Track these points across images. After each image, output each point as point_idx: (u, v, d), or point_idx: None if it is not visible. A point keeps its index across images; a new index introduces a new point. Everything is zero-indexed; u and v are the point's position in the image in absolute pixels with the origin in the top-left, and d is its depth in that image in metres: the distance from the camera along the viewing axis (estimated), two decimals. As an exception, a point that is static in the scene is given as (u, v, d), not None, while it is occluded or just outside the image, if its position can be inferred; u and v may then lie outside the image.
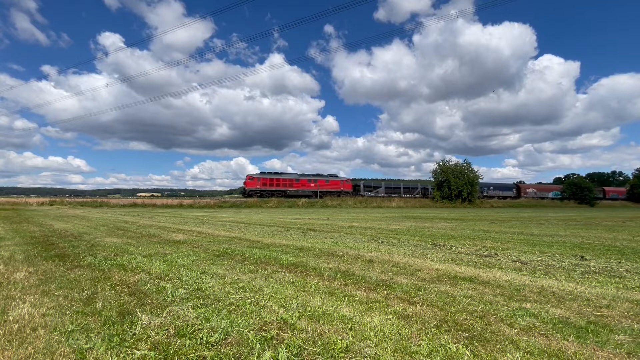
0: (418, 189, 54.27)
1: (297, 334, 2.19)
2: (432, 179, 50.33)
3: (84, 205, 29.64)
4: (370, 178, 60.51)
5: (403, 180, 57.94)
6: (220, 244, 6.41)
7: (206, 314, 2.51)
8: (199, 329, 2.24)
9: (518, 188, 60.09)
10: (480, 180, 49.98)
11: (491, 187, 58.19)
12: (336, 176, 49.57)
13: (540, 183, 73.31)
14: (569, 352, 1.96)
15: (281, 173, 45.41)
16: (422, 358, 1.89)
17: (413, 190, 54.36)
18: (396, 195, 50.66)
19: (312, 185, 45.62)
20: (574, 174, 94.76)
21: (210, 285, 3.32)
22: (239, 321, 2.37)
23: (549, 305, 2.83)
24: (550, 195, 63.10)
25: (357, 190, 49.73)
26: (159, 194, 42.11)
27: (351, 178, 51.75)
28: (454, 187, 46.17)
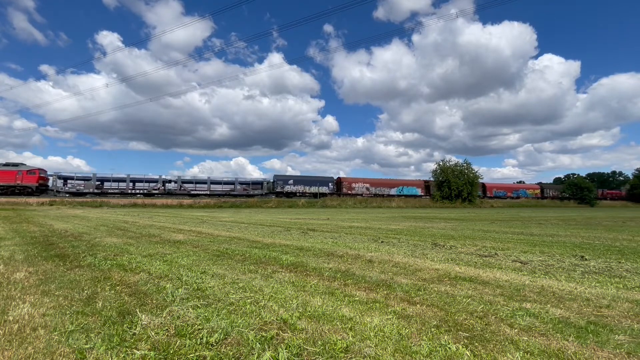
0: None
1: (297, 334, 2.19)
2: (432, 178, 50.37)
3: (84, 205, 29.64)
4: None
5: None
6: (220, 244, 6.41)
7: (206, 314, 2.51)
8: (199, 329, 2.24)
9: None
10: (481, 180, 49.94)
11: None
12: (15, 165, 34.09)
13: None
14: (569, 352, 1.96)
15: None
16: (422, 358, 1.89)
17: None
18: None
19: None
20: (574, 174, 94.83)
21: (210, 285, 3.32)
22: (239, 321, 2.37)
23: (549, 305, 2.83)
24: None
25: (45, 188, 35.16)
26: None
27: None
28: (454, 187, 46.19)
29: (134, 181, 40.61)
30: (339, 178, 48.44)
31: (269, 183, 45.50)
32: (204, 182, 43.27)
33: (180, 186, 41.65)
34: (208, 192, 42.41)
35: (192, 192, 41.86)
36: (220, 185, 43.73)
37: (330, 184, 46.93)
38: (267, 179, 46.44)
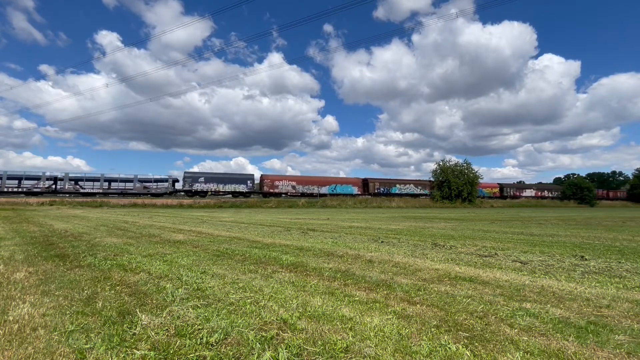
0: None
1: (297, 334, 2.19)
2: (432, 178, 50.33)
3: (84, 205, 29.63)
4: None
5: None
6: (220, 244, 6.41)
7: (206, 314, 2.51)
8: (199, 329, 2.24)
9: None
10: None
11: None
12: None
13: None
14: (569, 352, 1.96)
15: None
16: (422, 358, 1.89)
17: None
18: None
19: None
20: (574, 174, 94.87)
21: (210, 285, 3.32)
22: (239, 321, 2.37)
23: (549, 305, 2.83)
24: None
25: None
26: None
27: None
28: (454, 187, 46.19)
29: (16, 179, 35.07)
30: (262, 175, 44.07)
31: (177, 181, 40.62)
32: (96, 179, 38.01)
33: (67, 184, 35.94)
34: (101, 191, 37.34)
35: (83, 191, 36.78)
36: (117, 183, 38.63)
37: (248, 181, 42.35)
38: (172, 176, 41.12)
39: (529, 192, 60.64)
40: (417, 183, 52.41)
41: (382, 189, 48.73)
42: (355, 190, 47.47)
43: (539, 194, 61.58)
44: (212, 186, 40.82)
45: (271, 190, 42.77)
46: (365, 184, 48.18)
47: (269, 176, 44.43)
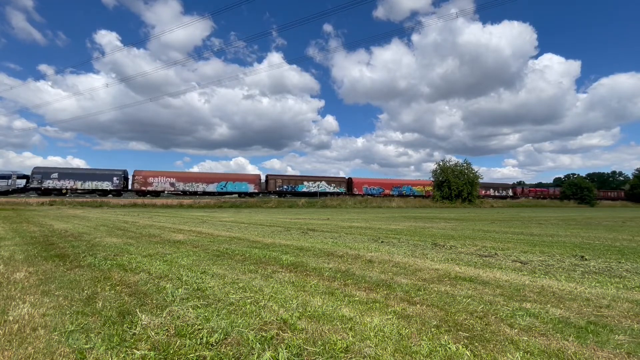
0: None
1: (297, 334, 2.19)
2: (432, 178, 50.26)
3: (84, 205, 29.61)
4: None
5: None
6: (220, 244, 6.41)
7: (206, 314, 2.51)
8: (199, 329, 2.24)
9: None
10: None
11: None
12: None
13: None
14: (569, 352, 1.96)
15: None
16: (422, 358, 1.89)
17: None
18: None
19: None
20: (574, 174, 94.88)
21: (210, 285, 3.32)
22: (239, 321, 2.37)
23: (549, 305, 2.83)
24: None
25: None
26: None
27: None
28: (454, 187, 46.17)
29: None
30: (134, 171, 38.30)
31: (24, 177, 35.46)
32: None
33: None
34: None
35: None
36: None
37: (115, 178, 37.04)
38: (16, 172, 35.73)
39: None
40: (330, 180, 46.76)
41: (285, 187, 43.39)
42: (252, 188, 41.74)
43: (484, 192, 56.18)
44: (68, 183, 35.50)
45: (143, 188, 37.58)
46: (266, 181, 43.06)
47: (141, 172, 38.36)
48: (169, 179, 39.41)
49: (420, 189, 52.50)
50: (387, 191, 49.82)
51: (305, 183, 44.93)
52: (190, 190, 39.96)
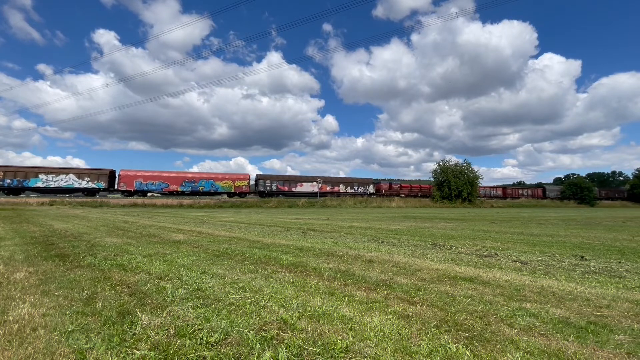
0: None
1: (297, 334, 2.19)
2: (432, 179, 50.25)
3: (84, 205, 29.60)
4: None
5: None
6: (220, 244, 6.41)
7: (206, 314, 2.51)
8: (199, 329, 2.24)
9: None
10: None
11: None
12: None
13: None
14: (569, 352, 1.96)
15: None
16: (422, 358, 1.89)
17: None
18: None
19: None
20: (574, 174, 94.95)
21: (210, 285, 3.32)
22: (239, 321, 2.37)
23: (549, 305, 2.83)
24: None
25: None
26: (159, 194, 39.54)
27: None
28: (454, 187, 46.20)
29: None
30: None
31: None
32: None
33: None
34: None
35: None
36: None
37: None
38: None
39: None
40: (82, 173, 35.63)
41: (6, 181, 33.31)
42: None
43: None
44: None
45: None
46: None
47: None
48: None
49: (228, 184, 40.76)
50: (174, 187, 38.69)
51: (40, 176, 34.12)
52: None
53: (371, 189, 48.76)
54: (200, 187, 39.80)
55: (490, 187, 58.46)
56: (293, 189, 43.92)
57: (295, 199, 40.21)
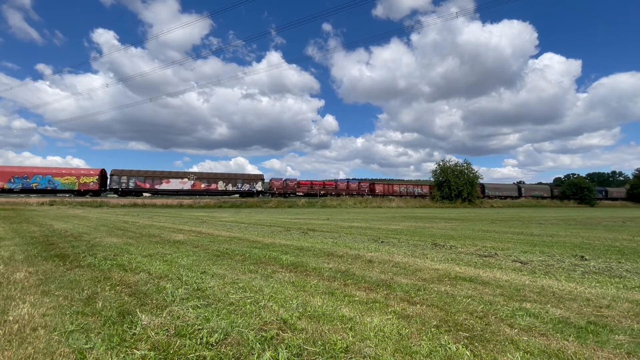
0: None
1: (297, 334, 2.19)
2: (432, 179, 50.27)
3: (84, 205, 29.58)
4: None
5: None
6: (220, 244, 6.41)
7: (206, 314, 2.51)
8: (199, 329, 2.24)
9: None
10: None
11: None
12: None
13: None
14: (569, 352, 1.96)
15: None
16: (422, 358, 1.89)
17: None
18: None
19: None
20: (574, 174, 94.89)
21: (210, 285, 3.32)
22: (239, 321, 2.37)
23: (549, 305, 2.83)
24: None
25: None
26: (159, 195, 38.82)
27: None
28: (454, 187, 46.22)
29: None
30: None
31: None
32: None
33: None
34: None
35: None
36: None
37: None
38: None
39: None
40: None
41: None
42: None
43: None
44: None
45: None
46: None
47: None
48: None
49: (71, 180, 35.95)
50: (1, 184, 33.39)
51: None
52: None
53: (259, 186, 41.68)
54: (34, 184, 33.89)
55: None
56: (157, 187, 38.08)
57: (295, 199, 39.72)
